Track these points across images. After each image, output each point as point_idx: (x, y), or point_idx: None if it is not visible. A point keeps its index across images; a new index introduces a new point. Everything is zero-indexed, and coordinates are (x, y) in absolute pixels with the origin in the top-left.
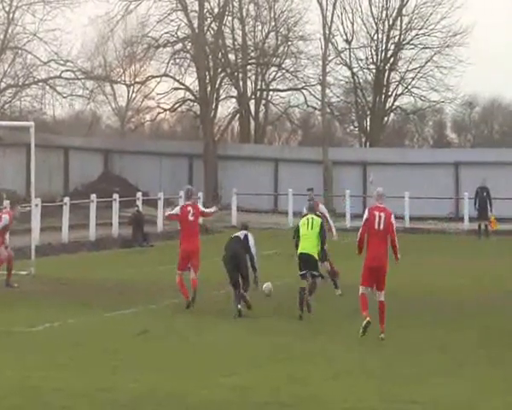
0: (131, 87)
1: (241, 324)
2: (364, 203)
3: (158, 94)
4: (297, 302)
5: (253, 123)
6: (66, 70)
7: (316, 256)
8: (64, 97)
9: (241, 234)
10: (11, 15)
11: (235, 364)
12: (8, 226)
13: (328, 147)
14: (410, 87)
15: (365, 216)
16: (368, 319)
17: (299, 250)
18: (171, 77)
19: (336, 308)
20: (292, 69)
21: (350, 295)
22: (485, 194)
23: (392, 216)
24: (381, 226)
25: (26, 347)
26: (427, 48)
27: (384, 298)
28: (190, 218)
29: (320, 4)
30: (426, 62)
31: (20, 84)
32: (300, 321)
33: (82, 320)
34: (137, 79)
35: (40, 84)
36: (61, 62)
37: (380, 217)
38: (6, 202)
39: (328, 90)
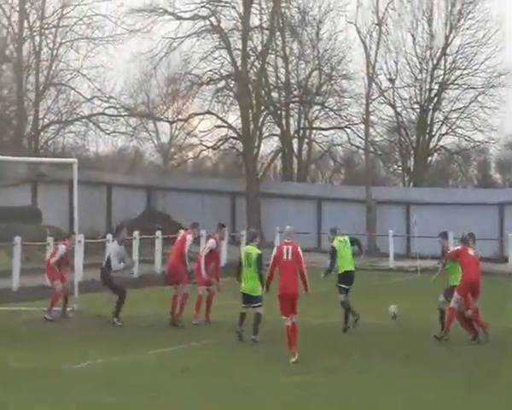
0: (174, 124)
1: (273, 365)
2: (408, 243)
3: (201, 131)
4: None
5: (295, 161)
6: (110, 107)
7: None
8: (107, 134)
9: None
10: (55, 52)
11: (270, 406)
12: (67, 258)
13: (371, 186)
14: (454, 127)
15: (273, 253)
16: (296, 357)
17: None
18: (214, 114)
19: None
20: (335, 108)
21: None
22: None
23: (299, 248)
24: (289, 257)
25: (69, 384)
26: (471, 88)
27: (296, 320)
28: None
29: (363, 43)
30: (470, 102)
31: (63, 120)
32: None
33: (125, 358)
34: (180, 117)
35: (83, 120)
36: (105, 99)
37: (287, 249)
38: (49, 238)
39: (371, 129)
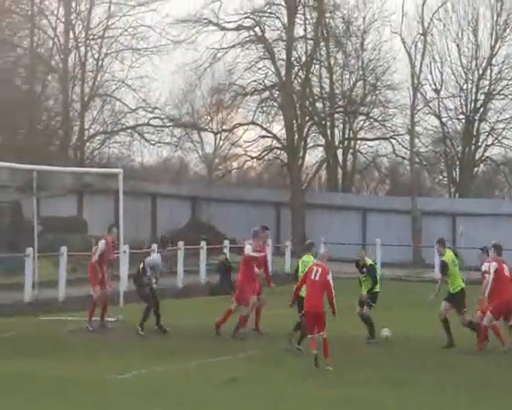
0: (219, 135)
1: (323, 378)
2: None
3: (245, 142)
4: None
5: (340, 172)
6: (154, 117)
7: None
8: (152, 144)
9: None
10: (100, 62)
11: None
12: (109, 254)
13: (416, 197)
14: (500, 138)
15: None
16: (316, 352)
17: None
18: (259, 125)
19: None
20: (380, 118)
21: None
22: None
23: (329, 276)
24: (317, 277)
25: (113, 394)
26: None
27: (326, 335)
28: None
29: (408, 54)
30: None
31: (108, 130)
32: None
33: (169, 368)
34: (225, 127)
35: (128, 131)
36: (149, 109)
37: (317, 270)
38: (95, 248)
39: (416, 140)
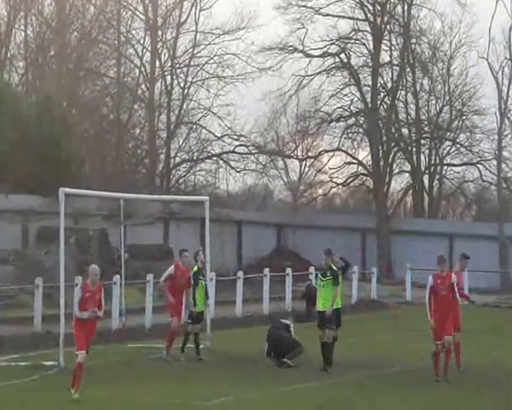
0: (304, 162)
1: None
2: None
3: (330, 168)
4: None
5: (426, 198)
6: (240, 145)
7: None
8: (237, 172)
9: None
10: (186, 91)
11: None
12: (180, 280)
13: (504, 222)
14: None
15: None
16: None
17: None
18: (344, 151)
19: None
20: (466, 144)
21: None
22: None
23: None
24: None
25: None
26: None
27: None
28: None
29: (495, 78)
30: None
31: (194, 158)
32: None
33: (257, 395)
34: (310, 154)
35: (214, 158)
36: (235, 137)
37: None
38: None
39: (503, 165)
